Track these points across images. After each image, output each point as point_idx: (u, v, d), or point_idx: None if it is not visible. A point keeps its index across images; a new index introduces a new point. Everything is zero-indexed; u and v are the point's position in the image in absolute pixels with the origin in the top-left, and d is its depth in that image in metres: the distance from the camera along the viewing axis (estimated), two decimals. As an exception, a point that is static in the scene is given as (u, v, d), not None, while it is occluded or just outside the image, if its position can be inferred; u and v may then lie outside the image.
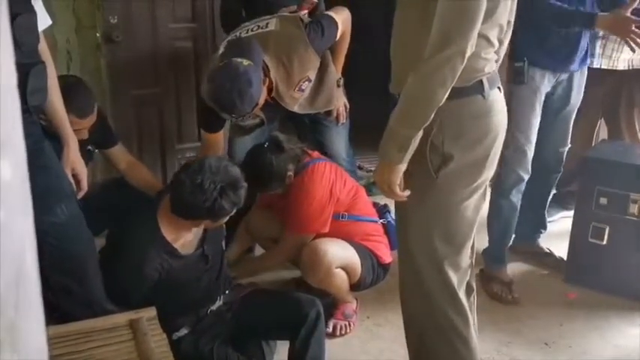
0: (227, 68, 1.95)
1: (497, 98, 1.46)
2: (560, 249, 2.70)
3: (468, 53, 1.28)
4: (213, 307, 1.92)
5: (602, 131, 3.32)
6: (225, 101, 1.95)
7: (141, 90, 2.94)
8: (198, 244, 1.85)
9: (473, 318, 1.58)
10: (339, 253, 2.12)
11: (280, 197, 2.25)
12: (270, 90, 2.14)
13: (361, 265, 2.17)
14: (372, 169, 3.94)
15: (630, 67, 2.88)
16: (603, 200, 2.49)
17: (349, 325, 2.23)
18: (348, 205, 2.23)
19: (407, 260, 1.53)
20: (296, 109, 2.28)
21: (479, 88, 1.41)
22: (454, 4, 1.27)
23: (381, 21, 3.47)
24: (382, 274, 2.28)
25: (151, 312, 1.36)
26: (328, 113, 2.46)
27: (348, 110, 2.53)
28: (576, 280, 2.58)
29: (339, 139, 2.57)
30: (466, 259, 1.53)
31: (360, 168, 3.67)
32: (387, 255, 2.28)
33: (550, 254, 2.73)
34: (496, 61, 1.46)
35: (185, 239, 1.81)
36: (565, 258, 2.66)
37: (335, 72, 2.44)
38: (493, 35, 1.38)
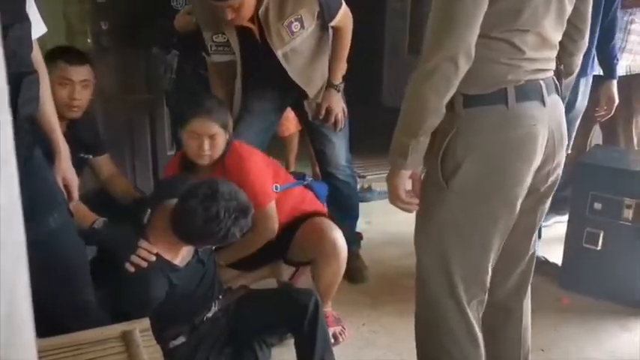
0: None
1: (528, 111, 1.34)
2: (555, 254, 2.70)
3: (462, 59, 1.24)
4: (209, 314, 1.90)
5: (594, 137, 3.34)
6: None
7: (132, 95, 2.92)
8: (194, 250, 1.83)
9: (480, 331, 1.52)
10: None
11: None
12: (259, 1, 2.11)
13: None
14: (365, 174, 3.94)
15: (628, 73, 2.91)
16: (597, 205, 2.49)
17: (344, 329, 2.22)
18: (274, 175, 2.17)
19: (419, 267, 1.51)
20: (280, 56, 2.22)
21: (501, 97, 1.33)
22: (442, 10, 1.25)
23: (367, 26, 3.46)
24: None
25: (145, 323, 1.34)
26: (326, 119, 2.42)
27: (346, 116, 2.50)
28: (571, 286, 2.57)
29: (340, 145, 2.54)
30: (484, 277, 1.47)
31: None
32: (324, 209, 2.28)
33: (545, 262, 2.73)
34: (536, 71, 1.36)
35: (183, 252, 1.79)
36: (559, 263, 2.66)
37: (326, 59, 2.39)
38: (522, 41, 1.31)
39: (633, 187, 2.43)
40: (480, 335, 1.50)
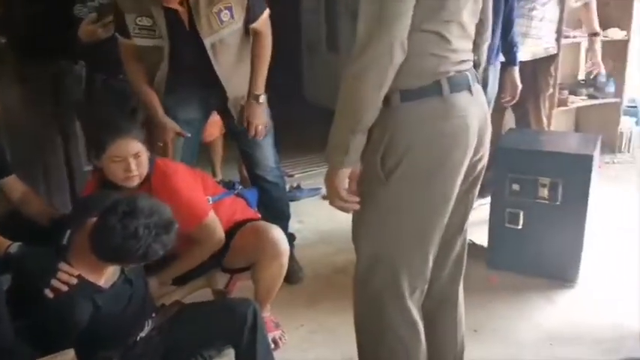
0: None
1: (460, 101, 1.38)
2: (481, 236, 2.79)
3: (398, 51, 1.25)
4: (143, 334, 1.83)
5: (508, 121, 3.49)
6: None
7: (39, 110, 2.76)
8: (120, 269, 1.75)
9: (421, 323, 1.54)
10: None
11: None
12: None
13: None
14: (292, 173, 3.93)
15: (533, 58, 3.06)
16: (515, 186, 2.60)
17: (283, 333, 2.20)
18: (203, 188, 2.13)
19: (360, 264, 1.50)
20: (209, 46, 2.16)
21: (436, 89, 1.35)
22: (374, 4, 1.25)
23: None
24: None
25: (68, 355, 1.26)
26: (247, 130, 2.37)
27: (268, 129, 2.44)
28: (497, 265, 2.68)
29: (267, 147, 2.51)
30: (425, 268, 1.48)
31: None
32: (257, 215, 2.27)
33: (472, 244, 2.81)
34: (461, 62, 1.40)
35: (107, 272, 1.70)
36: (485, 245, 2.76)
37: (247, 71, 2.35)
38: (449, 32, 1.34)
39: (546, 167, 2.55)
40: (421, 329, 1.52)
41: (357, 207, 1.43)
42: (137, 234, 1.54)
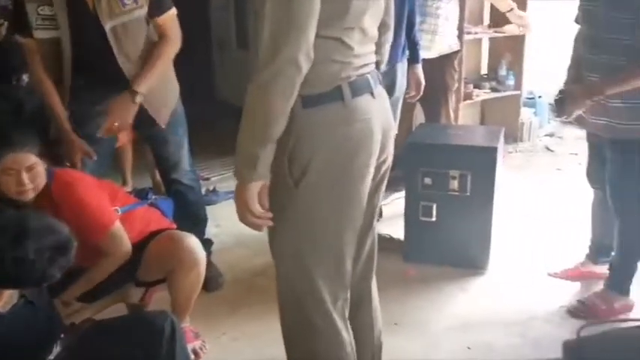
0: None
1: (362, 105, 1.38)
2: (397, 230, 2.86)
3: (303, 60, 1.24)
4: (51, 356, 1.72)
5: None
6: None
7: None
8: (18, 292, 1.63)
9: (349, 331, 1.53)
10: None
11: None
12: None
13: None
14: (208, 176, 3.85)
15: (440, 54, 3.18)
16: (428, 180, 2.69)
17: (204, 343, 2.15)
18: (111, 198, 2.05)
19: (279, 275, 1.48)
20: (108, 30, 2.06)
21: (337, 94, 1.34)
22: (277, 12, 1.23)
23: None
24: None
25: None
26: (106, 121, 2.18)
27: (182, 130, 2.38)
28: (414, 258, 2.75)
29: (181, 149, 2.44)
30: (343, 273, 1.47)
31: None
32: (173, 225, 2.21)
33: (389, 238, 2.88)
34: (363, 66, 1.39)
35: (4, 296, 1.57)
36: (402, 238, 2.83)
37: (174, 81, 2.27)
38: (350, 38, 1.33)
39: (455, 160, 2.65)
40: (348, 337, 1.50)
41: (269, 223, 1.39)
42: (28, 259, 1.43)
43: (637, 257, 2.30)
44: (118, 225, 1.96)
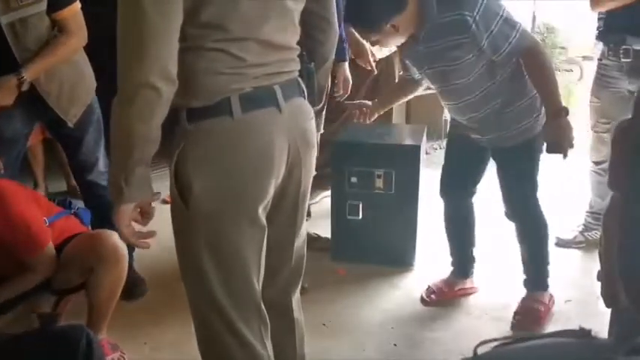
0: None
1: (259, 120, 1.25)
2: (325, 229, 2.85)
3: (159, 80, 1.12)
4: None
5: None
6: None
7: None
8: None
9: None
10: None
11: None
12: None
13: None
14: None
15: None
16: (354, 179, 2.70)
17: (123, 354, 2.06)
18: (39, 208, 1.98)
19: (191, 306, 1.41)
20: (4, 25, 1.97)
21: (225, 107, 1.22)
22: (128, 31, 1.13)
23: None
24: None
25: None
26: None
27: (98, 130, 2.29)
28: (343, 257, 2.75)
29: (96, 150, 2.33)
30: (250, 291, 1.38)
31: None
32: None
33: (317, 238, 2.86)
34: (265, 76, 1.27)
35: None
36: (330, 237, 2.82)
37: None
38: (241, 50, 1.21)
39: (380, 159, 2.68)
40: (265, 352, 1.42)
41: (147, 245, 1.31)
42: None
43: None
44: (50, 246, 1.90)
